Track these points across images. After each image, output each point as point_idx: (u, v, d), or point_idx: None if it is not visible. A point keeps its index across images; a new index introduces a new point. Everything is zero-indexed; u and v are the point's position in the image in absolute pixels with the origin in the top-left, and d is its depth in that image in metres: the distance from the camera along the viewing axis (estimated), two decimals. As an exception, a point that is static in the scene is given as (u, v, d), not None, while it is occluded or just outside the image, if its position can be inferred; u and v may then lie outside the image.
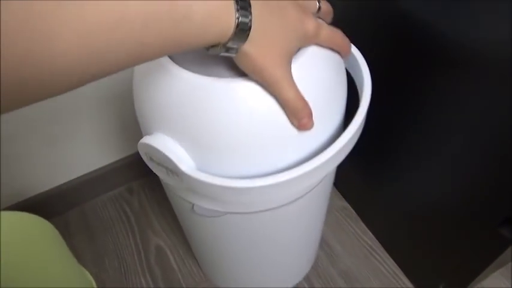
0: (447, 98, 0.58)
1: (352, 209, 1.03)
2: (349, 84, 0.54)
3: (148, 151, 0.48)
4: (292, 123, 0.44)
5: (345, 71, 0.52)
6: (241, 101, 0.43)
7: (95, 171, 1.04)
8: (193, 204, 0.54)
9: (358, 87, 0.56)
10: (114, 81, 0.87)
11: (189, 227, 0.71)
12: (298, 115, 0.43)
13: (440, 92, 0.59)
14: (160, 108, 0.46)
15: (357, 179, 0.97)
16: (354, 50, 0.56)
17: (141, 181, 1.13)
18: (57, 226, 0.57)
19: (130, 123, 0.98)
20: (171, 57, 0.45)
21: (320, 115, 0.46)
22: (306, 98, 0.43)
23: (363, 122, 0.51)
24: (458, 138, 0.60)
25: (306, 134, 0.47)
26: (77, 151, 0.97)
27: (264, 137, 0.45)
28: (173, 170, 0.46)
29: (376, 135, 0.78)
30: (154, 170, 0.52)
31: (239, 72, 0.42)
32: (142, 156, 0.51)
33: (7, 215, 0.52)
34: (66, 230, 1.04)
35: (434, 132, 0.64)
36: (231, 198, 0.47)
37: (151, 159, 0.49)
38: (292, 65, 0.42)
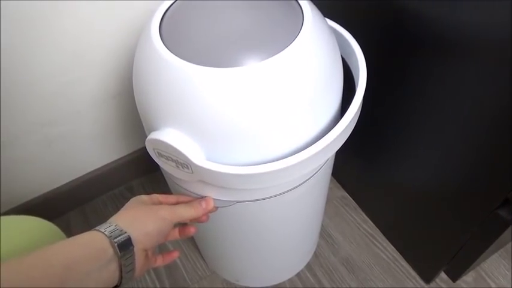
0: (443, 81, 0.60)
1: (351, 198, 1.05)
2: (344, 74, 0.56)
3: (157, 146, 0.49)
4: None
5: (340, 58, 0.54)
6: (244, 89, 0.44)
7: (95, 171, 1.04)
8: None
9: (353, 74, 0.57)
10: (111, 81, 0.87)
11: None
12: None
13: (436, 75, 0.60)
14: (165, 102, 0.47)
15: (355, 168, 0.98)
16: (349, 37, 0.58)
17: (141, 179, 1.13)
18: (59, 227, 0.57)
19: (128, 122, 0.98)
20: (169, 49, 0.46)
21: (320, 98, 0.48)
22: (306, 84, 0.46)
23: (360, 106, 0.52)
24: (456, 120, 0.61)
25: (307, 121, 0.49)
26: (76, 152, 0.97)
27: (266, 125, 0.46)
28: (184, 162, 0.47)
29: (372, 122, 0.79)
30: (163, 166, 0.53)
31: (243, 57, 0.44)
32: (150, 153, 0.52)
33: (11, 219, 0.52)
34: (68, 231, 1.01)
35: (431, 115, 0.66)
36: (241, 185, 0.49)
37: (159, 154, 0.50)
38: (289, 52, 0.44)
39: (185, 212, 0.52)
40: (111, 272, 0.42)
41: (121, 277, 0.43)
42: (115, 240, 0.42)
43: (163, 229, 0.48)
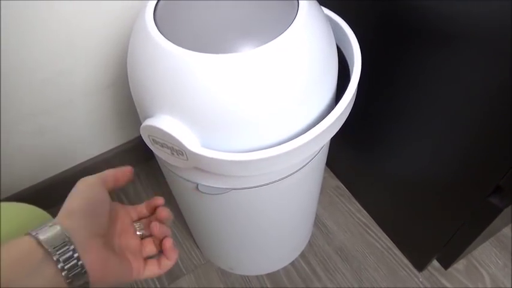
0: (437, 71, 0.60)
1: (345, 188, 1.05)
2: (339, 63, 0.56)
3: (152, 133, 0.49)
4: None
5: (335, 46, 0.54)
6: (238, 75, 0.44)
7: (90, 160, 1.04)
8: (197, 184, 0.55)
9: (349, 63, 0.57)
10: (105, 70, 0.87)
11: (189, 209, 0.72)
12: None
13: (430, 65, 0.61)
14: (159, 88, 0.47)
15: (349, 158, 0.99)
16: (345, 26, 0.58)
17: (135, 169, 1.12)
18: (53, 216, 0.57)
19: (123, 111, 0.98)
20: (164, 35, 0.46)
21: (314, 86, 0.48)
22: (300, 71, 0.46)
23: (355, 94, 0.53)
24: (448, 109, 0.62)
25: (301, 108, 0.49)
26: (70, 141, 0.97)
27: (261, 111, 0.46)
28: (179, 149, 0.47)
29: (366, 112, 0.80)
30: (157, 153, 0.53)
31: (238, 44, 0.44)
32: (145, 140, 0.52)
33: (6, 206, 0.52)
34: (63, 220, 1.03)
35: (424, 105, 0.66)
36: (235, 172, 0.49)
37: (154, 141, 0.50)
38: (284, 38, 0.44)
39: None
40: (49, 276, 0.33)
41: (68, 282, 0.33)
42: (37, 234, 0.33)
43: (92, 198, 0.39)
